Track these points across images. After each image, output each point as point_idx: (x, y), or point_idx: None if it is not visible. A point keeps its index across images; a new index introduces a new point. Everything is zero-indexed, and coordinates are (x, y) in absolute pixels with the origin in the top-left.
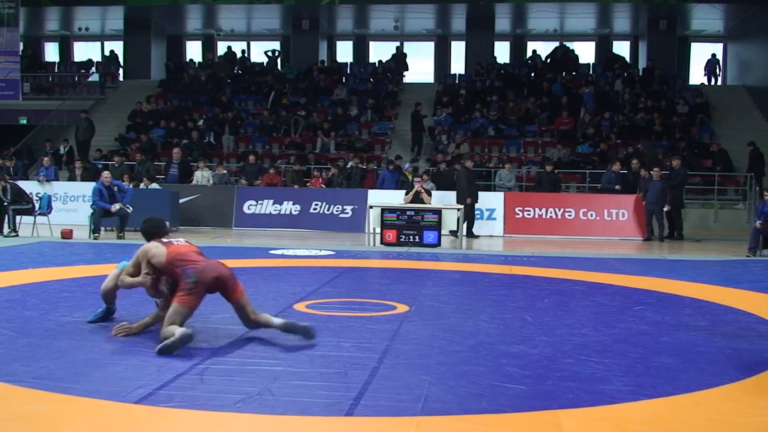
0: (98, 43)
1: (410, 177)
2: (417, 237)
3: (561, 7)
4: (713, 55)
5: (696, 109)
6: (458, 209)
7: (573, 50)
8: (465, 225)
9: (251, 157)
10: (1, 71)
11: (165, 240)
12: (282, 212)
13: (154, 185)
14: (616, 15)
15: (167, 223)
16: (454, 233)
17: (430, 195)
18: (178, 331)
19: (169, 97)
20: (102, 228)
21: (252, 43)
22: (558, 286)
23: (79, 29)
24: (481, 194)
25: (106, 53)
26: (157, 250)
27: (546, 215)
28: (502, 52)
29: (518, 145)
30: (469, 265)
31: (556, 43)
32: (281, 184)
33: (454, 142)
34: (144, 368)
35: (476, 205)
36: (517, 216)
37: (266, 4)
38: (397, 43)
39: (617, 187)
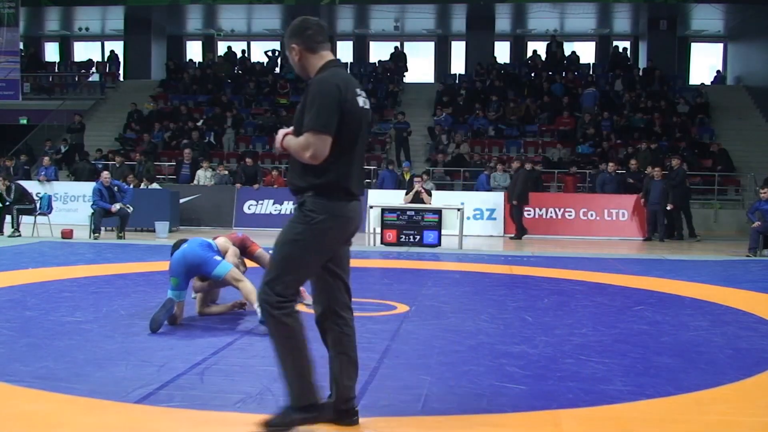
0: (98, 43)
1: (407, 176)
2: (417, 237)
3: (561, 7)
4: (718, 71)
5: (696, 109)
6: (458, 209)
7: (562, 43)
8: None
9: (248, 160)
10: (1, 71)
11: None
12: (282, 212)
13: (155, 185)
14: (616, 15)
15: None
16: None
17: (430, 195)
18: None
19: (169, 97)
20: (102, 228)
21: (252, 43)
22: (558, 286)
23: (79, 29)
24: (480, 194)
25: (106, 53)
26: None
27: (546, 215)
28: (502, 52)
29: (518, 145)
30: (469, 265)
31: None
32: (283, 185)
33: (454, 142)
34: (144, 368)
35: (476, 206)
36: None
37: (266, 4)
38: (397, 43)
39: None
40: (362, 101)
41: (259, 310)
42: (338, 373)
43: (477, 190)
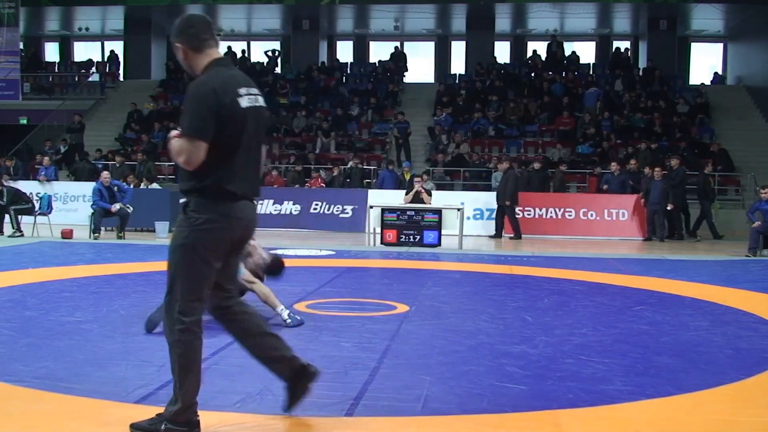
0: (98, 43)
1: (407, 176)
2: (417, 237)
3: (561, 7)
4: (716, 73)
5: (696, 109)
6: (458, 209)
7: (562, 43)
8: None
9: None
10: (1, 71)
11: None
12: (282, 212)
13: (155, 185)
14: (616, 15)
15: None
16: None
17: (430, 195)
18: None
19: (169, 97)
20: (102, 228)
21: (252, 43)
22: (558, 286)
23: (79, 29)
24: (481, 194)
25: (106, 53)
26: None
27: (546, 215)
28: (502, 52)
29: (518, 145)
30: (469, 265)
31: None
32: (283, 185)
33: (454, 142)
34: (144, 368)
35: (476, 206)
36: (517, 216)
37: (266, 4)
38: (397, 43)
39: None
40: (248, 101)
41: (281, 313)
42: (270, 352)
43: None
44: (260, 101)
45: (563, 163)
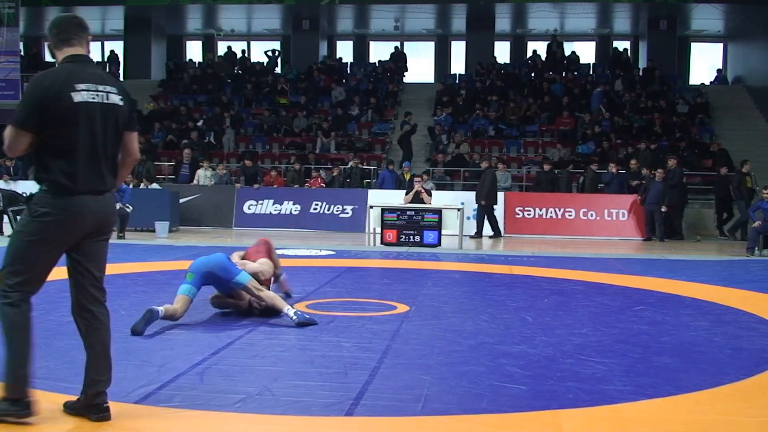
0: (98, 43)
1: (407, 177)
2: (417, 237)
3: (561, 7)
4: (719, 70)
5: (696, 109)
6: (458, 209)
7: (562, 43)
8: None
9: (247, 162)
10: (1, 71)
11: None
12: (282, 212)
13: (155, 185)
14: (616, 15)
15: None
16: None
17: (430, 195)
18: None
19: (169, 97)
20: None
21: (252, 43)
22: (558, 286)
23: None
24: None
25: (106, 53)
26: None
27: (546, 215)
28: (502, 52)
29: (518, 145)
30: (469, 265)
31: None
32: (282, 185)
33: (454, 142)
34: (144, 368)
35: (476, 206)
36: (517, 216)
37: (266, 4)
38: (397, 43)
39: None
40: (85, 96)
41: (288, 312)
42: (86, 367)
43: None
44: (111, 98)
45: (594, 162)
